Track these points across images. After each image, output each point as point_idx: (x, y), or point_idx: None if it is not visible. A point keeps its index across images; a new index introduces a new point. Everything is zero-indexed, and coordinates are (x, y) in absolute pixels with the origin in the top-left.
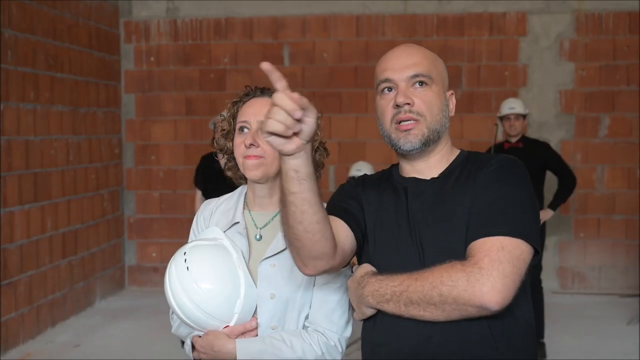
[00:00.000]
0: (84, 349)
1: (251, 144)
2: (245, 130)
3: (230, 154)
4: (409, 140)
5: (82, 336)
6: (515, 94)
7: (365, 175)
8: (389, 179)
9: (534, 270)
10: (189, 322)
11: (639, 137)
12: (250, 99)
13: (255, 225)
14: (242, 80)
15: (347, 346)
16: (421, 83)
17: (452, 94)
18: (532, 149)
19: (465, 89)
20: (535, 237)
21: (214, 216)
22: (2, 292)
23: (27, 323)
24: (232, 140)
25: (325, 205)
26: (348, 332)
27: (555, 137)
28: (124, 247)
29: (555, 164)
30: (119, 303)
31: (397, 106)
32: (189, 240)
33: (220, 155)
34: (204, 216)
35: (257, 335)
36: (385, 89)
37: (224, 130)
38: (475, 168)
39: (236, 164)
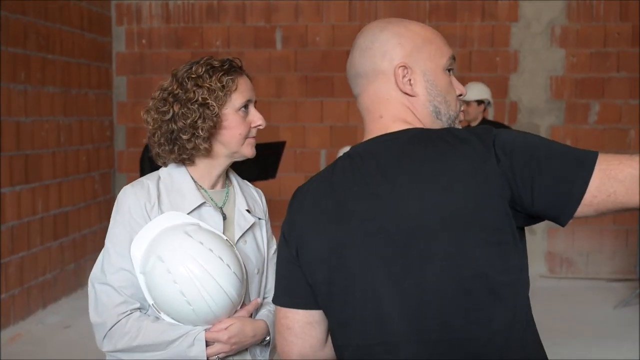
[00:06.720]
0: (74, 330)
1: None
2: (249, 108)
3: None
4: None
5: (72, 318)
6: (506, 80)
7: None
8: None
9: None
10: (198, 318)
11: (628, 123)
12: (240, 75)
13: (216, 204)
14: None
15: None
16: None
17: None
18: None
19: (456, 74)
20: None
21: (163, 202)
22: None
23: (18, 304)
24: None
25: None
26: None
27: (545, 123)
28: None
29: None
30: None
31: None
32: (127, 235)
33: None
34: (140, 204)
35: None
36: (451, 71)
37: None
38: None
39: (193, 138)
